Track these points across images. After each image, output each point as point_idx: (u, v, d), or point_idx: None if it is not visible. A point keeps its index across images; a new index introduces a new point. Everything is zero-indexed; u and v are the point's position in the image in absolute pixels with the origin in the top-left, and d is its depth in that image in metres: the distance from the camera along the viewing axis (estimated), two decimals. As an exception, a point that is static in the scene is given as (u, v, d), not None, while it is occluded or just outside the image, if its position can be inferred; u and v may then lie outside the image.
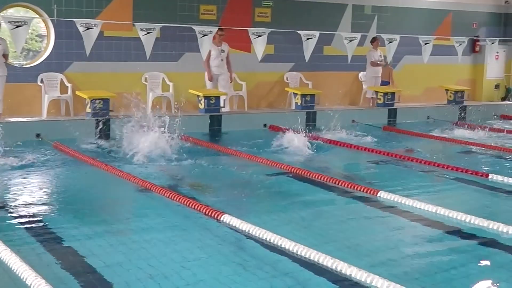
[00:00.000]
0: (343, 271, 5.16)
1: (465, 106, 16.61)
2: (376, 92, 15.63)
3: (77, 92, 12.60)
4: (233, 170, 9.56)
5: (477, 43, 18.98)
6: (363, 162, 10.54)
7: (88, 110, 12.12)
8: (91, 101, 12.01)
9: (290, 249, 5.67)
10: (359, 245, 6.20)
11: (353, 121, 14.46)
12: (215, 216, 6.62)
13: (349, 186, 8.29)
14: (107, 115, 12.04)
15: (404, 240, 6.44)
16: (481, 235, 6.45)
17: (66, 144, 10.42)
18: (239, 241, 6.10)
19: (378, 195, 7.81)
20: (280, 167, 9.43)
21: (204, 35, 12.90)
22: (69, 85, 12.85)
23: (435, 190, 8.71)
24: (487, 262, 5.86)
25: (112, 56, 13.45)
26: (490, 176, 8.97)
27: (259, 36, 13.54)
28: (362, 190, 8.09)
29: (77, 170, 9.17)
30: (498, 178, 8.87)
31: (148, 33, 12.53)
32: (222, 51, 13.83)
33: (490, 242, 6.27)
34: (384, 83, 16.44)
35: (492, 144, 12.00)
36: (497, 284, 5.32)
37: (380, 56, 16.03)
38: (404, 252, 6.06)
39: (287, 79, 15.72)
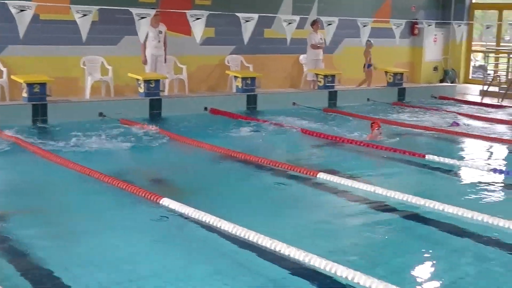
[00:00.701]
0: (282, 251, 5.19)
1: (404, 88, 16.86)
2: (317, 74, 15.73)
3: (12, 77, 12.28)
4: (173, 154, 9.53)
5: (416, 26, 19.27)
6: (303, 144, 10.61)
7: (25, 94, 11.83)
8: (27, 85, 11.73)
9: (230, 231, 5.68)
10: (298, 225, 6.26)
11: (294, 103, 14.51)
12: (154, 199, 6.60)
13: (289, 168, 8.35)
14: (44, 100, 11.77)
15: (343, 220, 6.55)
16: (418, 213, 6.59)
17: (2, 130, 10.16)
18: (178, 223, 6.08)
19: (318, 176, 7.89)
20: (221, 151, 9.40)
21: (142, 18, 12.71)
22: (4, 69, 12.53)
23: (373, 171, 8.83)
24: (423, 239, 5.99)
25: (49, 40, 13.16)
26: (427, 156, 9.15)
27: (197, 18, 13.40)
28: (301, 171, 8.15)
29: (14, 156, 8.94)
30: (435, 158, 9.06)
31: (84, 15, 12.27)
32: (160, 32, 13.72)
33: (426, 220, 6.41)
34: (369, 66, 16.82)
35: (429, 126, 12.24)
36: (434, 262, 5.47)
37: (321, 39, 16.14)
38: (342, 232, 6.18)
39: (228, 62, 15.68)
